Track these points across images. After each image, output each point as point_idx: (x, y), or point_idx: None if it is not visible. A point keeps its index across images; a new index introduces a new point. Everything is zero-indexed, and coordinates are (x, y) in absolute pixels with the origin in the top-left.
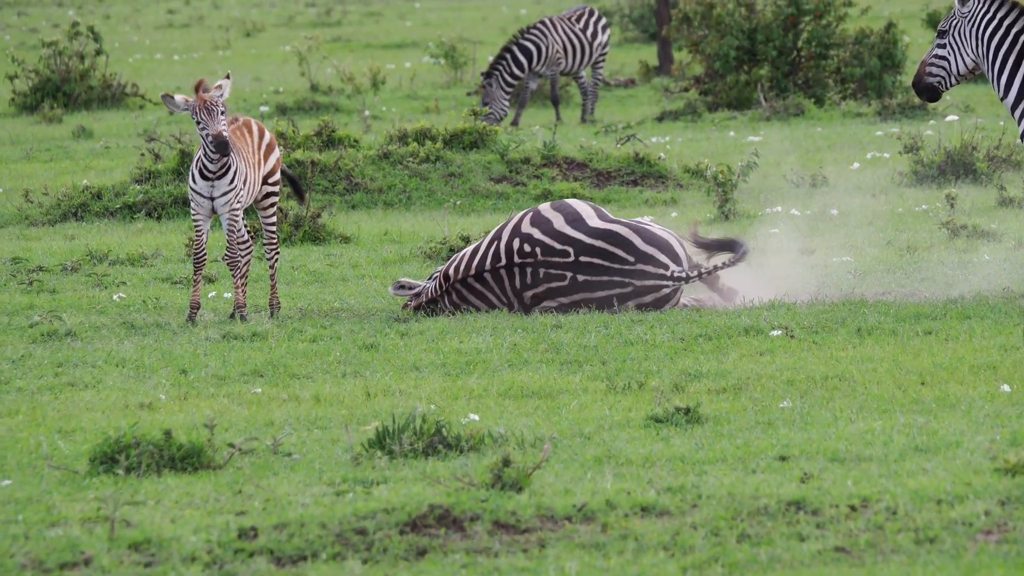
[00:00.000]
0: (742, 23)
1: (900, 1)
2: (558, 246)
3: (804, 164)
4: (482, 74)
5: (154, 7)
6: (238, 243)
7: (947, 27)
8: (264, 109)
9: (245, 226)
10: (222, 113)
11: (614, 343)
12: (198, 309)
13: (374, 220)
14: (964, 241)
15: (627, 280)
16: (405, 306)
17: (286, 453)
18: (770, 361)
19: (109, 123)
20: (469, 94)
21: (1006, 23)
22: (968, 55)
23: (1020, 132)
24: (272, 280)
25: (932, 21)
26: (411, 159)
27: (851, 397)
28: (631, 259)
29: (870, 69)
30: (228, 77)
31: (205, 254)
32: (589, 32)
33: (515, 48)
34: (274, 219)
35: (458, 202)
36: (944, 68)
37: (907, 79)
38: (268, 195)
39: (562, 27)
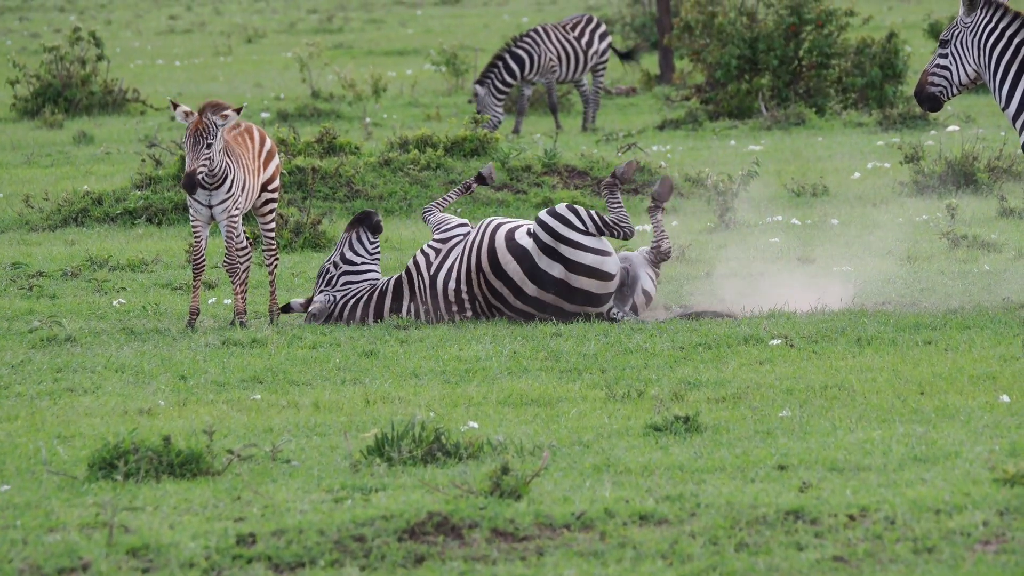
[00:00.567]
0: (744, 32)
1: (902, 11)
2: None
3: (805, 173)
4: (475, 83)
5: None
6: (237, 249)
7: (949, 37)
8: (265, 115)
9: (244, 232)
10: (207, 146)
11: (613, 351)
12: (198, 315)
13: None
14: (964, 251)
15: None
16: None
17: (285, 460)
18: (769, 370)
19: (110, 128)
20: (470, 101)
21: (1008, 33)
22: (970, 65)
23: (1021, 143)
24: (272, 286)
25: (934, 31)
26: (412, 166)
27: (850, 407)
28: (572, 308)
29: (871, 79)
30: (239, 111)
31: (204, 260)
32: (584, 40)
33: (507, 56)
34: (273, 225)
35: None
36: (946, 78)
37: (908, 89)
38: (267, 202)
39: (556, 35)
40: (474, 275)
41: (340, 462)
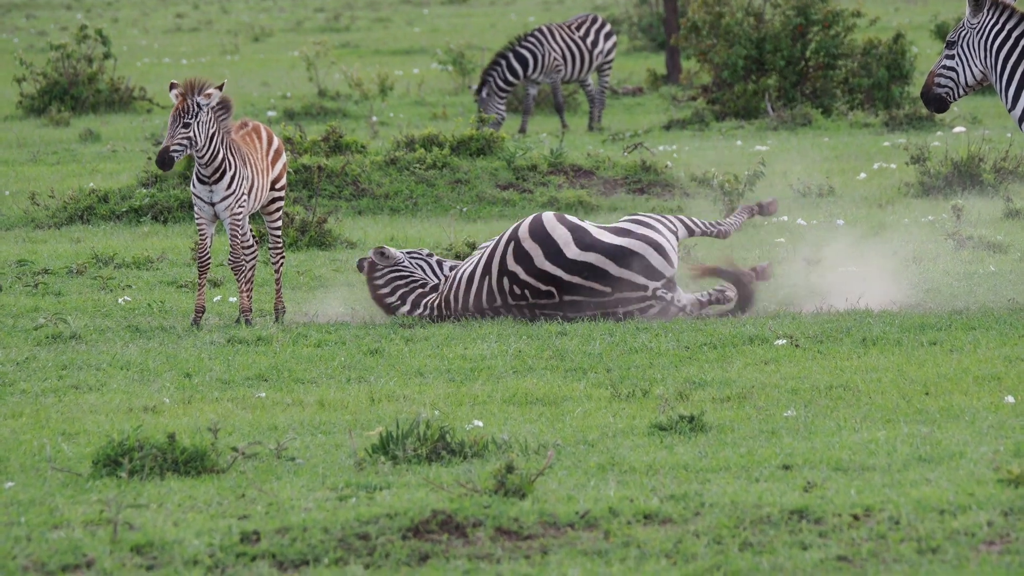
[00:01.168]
0: (750, 33)
1: (908, 12)
2: (543, 287)
3: (811, 174)
4: (475, 91)
5: (163, 11)
6: (243, 248)
7: (956, 38)
8: (272, 114)
9: (251, 231)
10: (184, 125)
11: (619, 351)
12: (203, 313)
13: (380, 226)
14: (970, 252)
15: (610, 308)
16: (376, 287)
17: (290, 458)
18: (774, 370)
19: (116, 127)
20: (476, 100)
21: (1015, 34)
22: (976, 66)
23: None
24: (277, 285)
25: (940, 32)
26: (418, 165)
27: (855, 407)
28: (608, 290)
29: (878, 80)
30: (221, 87)
31: (210, 258)
32: (590, 40)
33: (510, 55)
34: (279, 224)
35: (464, 208)
36: (952, 79)
37: (915, 90)
38: (274, 200)
39: (561, 35)
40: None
41: (345, 460)
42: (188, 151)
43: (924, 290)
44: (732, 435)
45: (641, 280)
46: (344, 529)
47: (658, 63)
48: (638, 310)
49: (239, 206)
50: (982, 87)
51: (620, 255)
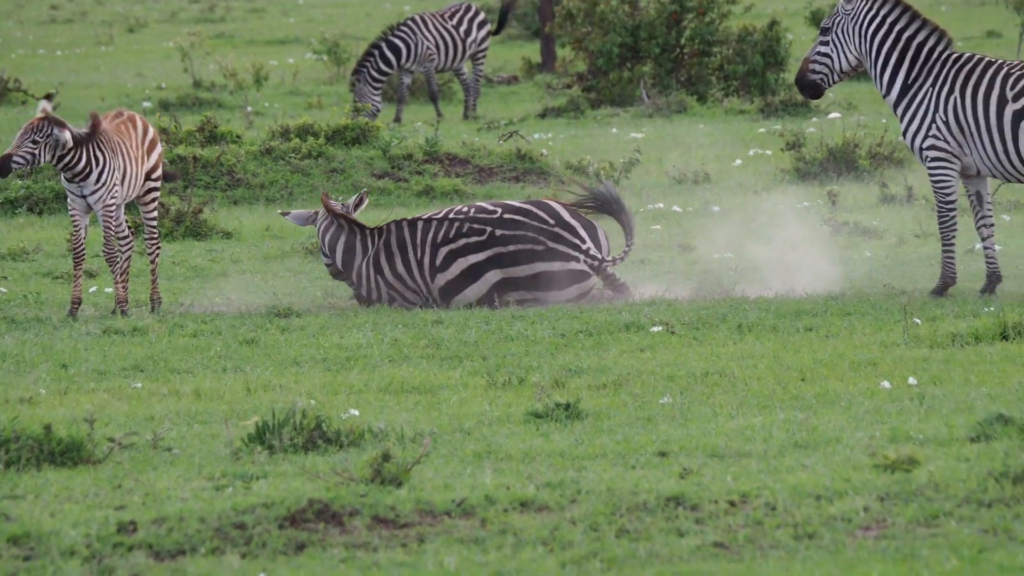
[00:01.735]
0: (625, 20)
1: None
2: (490, 207)
3: (686, 161)
4: (352, 74)
5: (37, 2)
6: (119, 238)
7: (830, 24)
8: (147, 105)
9: (126, 221)
10: (33, 142)
11: (494, 339)
12: (79, 304)
13: (256, 216)
14: (846, 238)
15: (540, 242)
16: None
17: (166, 448)
18: (651, 357)
19: None
20: (351, 90)
21: (889, 20)
22: (851, 52)
23: (902, 129)
24: (153, 275)
25: (815, 19)
26: (293, 155)
27: (731, 393)
28: (551, 222)
29: (753, 66)
30: (47, 98)
31: (84, 249)
32: (463, 29)
33: (383, 45)
34: (155, 214)
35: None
36: (827, 65)
37: (790, 76)
38: (150, 191)
39: (434, 24)
40: None
41: (221, 450)
42: (27, 167)
43: (800, 276)
44: (608, 422)
45: (583, 234)
46: (221, 519)
47: (533, 51)
48: (561, 259)
49: (111, 197)
50: (857, 73)
51: (579, 215)
